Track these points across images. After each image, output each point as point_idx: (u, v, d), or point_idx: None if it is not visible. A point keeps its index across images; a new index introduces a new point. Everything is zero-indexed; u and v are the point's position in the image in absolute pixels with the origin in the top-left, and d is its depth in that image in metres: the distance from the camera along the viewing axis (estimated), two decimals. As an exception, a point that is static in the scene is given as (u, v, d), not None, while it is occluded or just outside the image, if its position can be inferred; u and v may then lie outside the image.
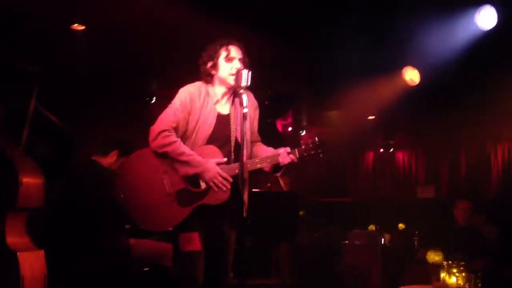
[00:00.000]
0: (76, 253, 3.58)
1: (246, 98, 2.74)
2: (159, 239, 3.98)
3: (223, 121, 2.91)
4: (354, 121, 9.00)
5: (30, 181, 2.94)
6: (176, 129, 2.85)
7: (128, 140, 4.01)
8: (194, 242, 2.79)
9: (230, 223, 2.93)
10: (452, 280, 3.50)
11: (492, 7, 5.18)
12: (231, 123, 2.92)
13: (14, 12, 4.57)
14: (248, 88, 2.81)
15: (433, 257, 4.49)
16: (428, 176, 10.05)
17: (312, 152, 2.87)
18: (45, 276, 2.95)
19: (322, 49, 5.94)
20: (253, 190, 3.07)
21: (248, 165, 2.86)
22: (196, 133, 2.87)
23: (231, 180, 2.80)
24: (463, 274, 3.48)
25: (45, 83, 3.67)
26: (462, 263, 3.55)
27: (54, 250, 3.24)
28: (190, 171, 2.78)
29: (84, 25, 5.32)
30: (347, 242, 6.49)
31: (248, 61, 2.95)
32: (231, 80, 2.87)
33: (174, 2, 4.87)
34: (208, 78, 2.95)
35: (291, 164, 2.88)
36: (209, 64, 2.92)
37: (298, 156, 2.87)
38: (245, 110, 2.72)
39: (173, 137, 2.81)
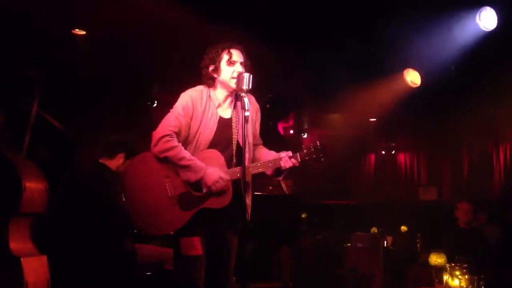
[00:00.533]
0: (81, 256, 3.59)
1: (247, 101, 2.74)
2: (162, 243, 3.98)
3: (225, 125, 2.91)
4: (356, 123, 9.01)
5: (33, 186, 2.94)
6: (178, 134, 2.84)
7: (134, 144, 4.03)
8: (196, 246, 2.79)
9: (232, 227, 2.93)
10: (455, 282, 3.49)
11: (492, 8, 5.17)
12: (233, 126, 2.92)
13: (16, 17, 4.58)
14: (249, 91, 2.81)
15: (436, 259, 4.47)
16: (430, 178, 10.06)
17: (314, 156, 2.87)
18: (48, 281, 2.94)
19: (324, 52, 5.94)
20: (255, 193, 3.06)
21: (250, 169, 2.86)
22: (198, 137, 2.87)
23: (230, 185, 2.79)
24: (466, 276, 3.47)
25: (46, 87, 3.68)
26: (465, 265, 3.54)
27: (58, 254, 3.24)
28: (192, 176, 2.77)
29: (85, 30, 5.33)
30: (349, 245, 6.48)
31: (250, 65, 2.95)
32: (233, 84, 2.87)
33: (175, 6, 4.88)
34: (210, 81, 2.94)
35: (292, 167, 2.88)
36: (211, 68, 2.92)
37: (299, 160, 2.87)
38: (247, 113, 2.72)
39: (175, 142, 2.80)
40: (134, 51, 5.59)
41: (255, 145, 3.06)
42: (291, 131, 9.67)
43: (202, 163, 2.79)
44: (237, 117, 2.93)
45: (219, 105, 2.94)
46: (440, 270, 3.66)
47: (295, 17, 5.23)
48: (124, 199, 2.87)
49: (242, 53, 2.94)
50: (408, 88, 6.76)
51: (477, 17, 5.22)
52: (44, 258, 2.97)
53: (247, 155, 2.79)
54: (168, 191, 2.82)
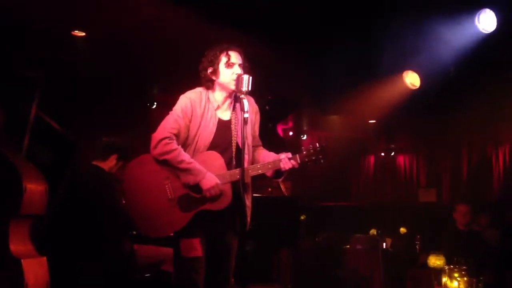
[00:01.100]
0: (80, 258, 3.59)
1: (247, 103, 2.75)
2: (162, 244, 3.98)
3: (224, 127, 2.92)
4: (355, 125, 9.02)
5: (34, 187, 2.94)
6: (177, 136, 2.84)
7: (126, 144, 4.07)
8: (196, 248, 2.79)
9: (231, 228, 2.93)
10: (454, 284, 3.50)
11: (491, 10, 5.18)
12: (232, 128, 2.92)
13: (16, 18, 4.59)
14: (249, 93, 2.81)
15: (435, 261, 4.48)
16: (430, 180, 10.06)
17: (313, 158, 2.87)
18: (47, 283, 2.94)
19: (323, 53, 5.95)
20: (254, 195, 3.06)
21: (250, 171, 2.86)
22: (198, 139, 2.87)
23: (230, 187, 2.80)
24: (465, 278, 3.48)
25: (46, 88, 3.68)
26: (464, 267, 3.54)
27: (57, 256, 3.24)
28: (191, 179, 2.78)
29: (84, 31, 5.34)
30: (348, 246, 6.48)
31: (248, 66, 2.96)
32: (232, 86, 2.87)
33: (175, 7, 4.88)
34: (208, 83, 2.95)
35: (292, 169, 2.88)
36: (210, 70, 2.92)
37: (299, 161, 2.87)
38: (246, 115, 2.72)
39: (174, 145, 2.80)
40: (134, 52, 5.60)
41: (254, 147, 3.06)
42: (291, 133, 9.67)
43: (202, 166, 2.79)
44: (236, 119, 2.93)
45: (218, 107, 2.94)
46: (439, 272, 3.67)
47: (294, 18, 5.24)
48: (123, 201, 2.87)
49: (241, 55, 2.95)
50: (407, 90, 6.78)
51: (476, 19, 5.23)
52: (44, 260, 2.96)
53: (246, 157, 2.80)
54: (168, 193, 2.82)
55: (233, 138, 2.91)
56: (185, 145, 2.87)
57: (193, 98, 2.90)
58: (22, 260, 2.80)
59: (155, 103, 7.02)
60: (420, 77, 6.63)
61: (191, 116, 2.87)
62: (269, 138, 3.42)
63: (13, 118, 3.39)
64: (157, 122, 2.90)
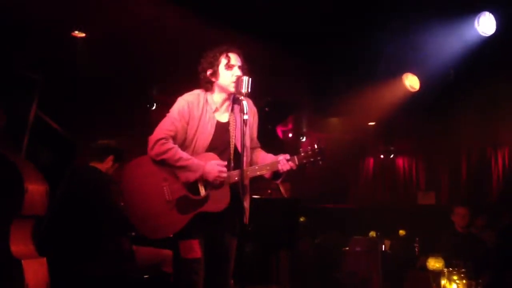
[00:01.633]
0: (79, 258, 3.59)
1: (246, 104, 2.75)
2: (161, 245, 3.98)
3: (222, 129, 2.92)
4: (355, 127, 9.03)
5: (35, 188, 2.94)
6: (174, 138, 2.85)
7: (121, 146, 4.09)
8: (195, 249, 2.79)
9: (230, 230, 2.93)
10: (453, 287, 3.50)
11: (491, 13, 5.20)
12: (230, 130, 2.92)
13: (16, 19, 4.59)
14: (248, 95, 2.81)
15: (434, 263, 4.47)
16: (429, 182, 10.06)
17: (312, 159, 2.87)
18: (47, 284, 2.95)
19: (323, 55, 5.96)
20: (253, 196, 3.07)
21: (248, 172, 2.86)
22: (196, 142, 2.87)
23: (228, 188, 2.80)
24: (464, 281, 3.48)
25: (46, 89, 3.69)
26: (463, 269, 3.55)
27: (57, 257, 3.25)
28: (191, 176, 2.78)
29: (84, 32, 5.35)
30: (347, 248, 6.48)
31: (248, 68, 2.96)
32: (232, 87, 2.87)
33: (175, 8, 4.89)
34: (208, 85, 2.95)
35: (291, 171, 2.88)
36: (209, 72, 2.92)
37: (297, 163, 2.86)
38: (246, 117, 2.72)
39: (170, 144, 2.81)
40: (133, 53, 5.60)
41: (252, 148, 3.06)
42: (290, 135, 9.67)
43: (200, 161, 2.79)
44: (235, 121, 2.93)
45: (216, 109, 2.94)
46: (438, 274, 3.67)
47: (294, 20, 5.25)
48: (122, 203, 2.88)
49: (240, 57, 2.95)
50: (407, 92, 6.79)
51: (475, 22, 5.24)
52: (44, 260, 2.96)
53: (245, 159, 2.80)
54: (166, 195, 2.82)
55: (231, 140, 2.91)
56: (183, 147, 2.87)
57: (191, 100, 2.90)
58: (22, 261, 2.80)
59: (155, 104, 7.02)
60: (419, 79, 6.64)
61: (188, 118, 2.87)
62: (268, 140, 3.42)
63: (13, 118, 3.39)
64: (157, 123, 2.91)
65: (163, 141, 2.80)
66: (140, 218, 2.86)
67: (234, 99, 2.95)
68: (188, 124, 2.87)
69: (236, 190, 2.77)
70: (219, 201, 2.80)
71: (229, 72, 2.89)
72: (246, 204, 2.91)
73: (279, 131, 8.76)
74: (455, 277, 3.50)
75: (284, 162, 2.84)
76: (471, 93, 6.54)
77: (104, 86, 6.09)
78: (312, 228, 7.24)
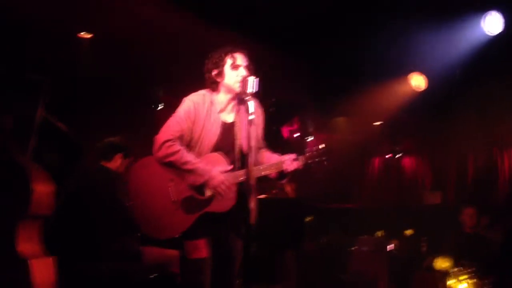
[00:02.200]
0: (87, 257, 3.61)
1: (252, 104, 2.74)
2: (167, 246, 3.99)
3: (227, 129, 2.92)
4: (361, 127, 9.00)
5: (42, 188, 2.96)
6: (180, 139, 2.85)
7: (128, 143, 4.08)
8: (201, 249, 2.80)
9: (236, 230, 2.93)
10: (460, 287, 3.49)
11: (498, 13, 5.18)
12: (236, 131, 2.93)
13: (22, 22, 4.62)
14: (254, 95, 2.81)
15: (441, 264, 4.47)
16: (435, 182, 10.01)
17: (317, 159, 2.86)
18: (54, 284, 2.96)
19: (328, 55, 5.96)
20: (259, 196, 3.07)
21: (254, 172, 2.85)
22: (201, 142, 2.87)
23: (234, 189, 2.80)
24: (471, 281, 3.47)
25: (52, 90, 3.71)
26: (470, 269, 3.53)
27: (65, 256, 3.26)
28: (197, 180, 2.78)
29: (91, 33, 5.37)
30: (354, 248, 6.47)
31: (253, 68, 2.96)
32: (237, 88, 2.87)
33: (181, 10, 4.91)
34: (213, 85, 2.95)
35: (296, 171, 2.88)
36: (214, 72, 2.93)
37: (303, 163, 2.87)
38: (252, 117, 2.72)
39: (177, 146, 2.81)
40: (139, 53, 5.62)
41: (258, 149, 3.06)
42: (296, 135, 9.66)
43: (207, 165, 2.80)
44: (240, 121, 2.93)
45: (222, 110, 2.94)
46: (444, 274, 3.66)
47: (299, 20, 5.25)
48: (127, 204, 2.89)
49: (246, 57, 2.95)
50: (413, 92, 6.77)
51: (482, 21, 5.22)
52: (51, 260, 2.99)
53: (250, 159, 2.80)
54: (172, 195, 2.83)
55: (236, 141, 2.92)
56: (188, 148, 2.87)
57: (196, 101, 2.90)
58: (29, 261, 2.82)
59: (160, 105, 7.03)
60: (425, 79, 6.62)
61: (194, 118, 2.87)
62: (274, 140, 3.42)
63: (20, 119, 3.42)
64: (162, 123, 2.91)
65: (169, 143, 2.80)
66: (146, 219, 2.87)
67: (239, 100, 2.95)
68: (194, 124, 2.87)
69: (242, 190, 2.77)
70: (225, 202, 2.81)
71: (235, 72, 2.89)
72: (252, 204, 2.90)
73: (285, 131, 8.75)
74: (462, 277, 3.50)
75: (289, 162, 2.84)
76: (477, 92, 6.51)
77: (110, 87, 6.11)
78: (318, 228, 7.22)
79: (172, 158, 2.79)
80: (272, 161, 2.93)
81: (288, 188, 5.48)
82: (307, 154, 2.88)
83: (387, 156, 10.58)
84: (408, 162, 10.47)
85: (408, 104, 6.99)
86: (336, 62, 5.97)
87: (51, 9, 4.55)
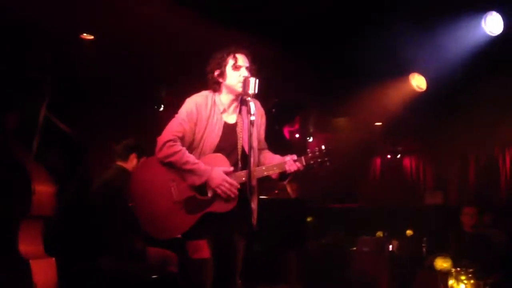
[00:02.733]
0: (93, 256, 3.64)
1: (253, 105, 2.76)
2: (169, 246, 4.01)
3: (229, 130, 2.93)
4: (362, 127, 9.02)
5: (43, 189, 2.97)
6: (182, 139, 2.85)
7: (141, 142, 4.13)
8: (203, 249, 2.80)
9: (238, 230, 2.94)
10: (461, 287, 3.50)
11: (498, 13, 5.18)
12: (238, 132, 2.93)
13: (25, 22, 4.64)
14: (255, 96, 2.82)
15: (441, 264, 4.47)
16: (436, 182, 10.03)
17: (319, 160, 2.87)
18: (56, 284, 2.98)
19: (329, 56, 5.96)
20: (261, 197, 3.08)
21: (255, 173, 2.87)
22: (203, 143, 2.88)
23: (238, 186, 2.81)
24: (472, 281, 3.48)
25: (55, 91, 3.72)
26: (471, 270, 3.54)
27: (69, 255, 3.28)
28: (197, 180, 2.79)
29: (93, 34, 5.39)
30: (355, 248, 6.48)
31: (255, 69, 2.97)
32: (239, 88, 2.87)
33: (184, 10, 4.92)
34: (215, 86, 2.96)
35: (297, 171, 2.89)
36: (216, 73, 2.93)
37: (304, 164, 2.87)
38: (253, 118, 2.73)
39: (178, 147, 2.82)
40: (142, 55, 5.63)
41: (260, 150, 3.06)
42: (297, 135, 9.68)
43: (207, 166, 2.81)
44: (242, 122, 2.94)
45: (224, 110, 2.95)
46: (445, 274, 3.67)
47: (300, 20, 5.26)
48: (130, 204, 2.90)
49: (248, 58, 2.95)
50: (414, 92, 6.78)
51: (482, 22, 5.23)
52: (53, 260, 3.00)
53: (252, 160, 2.81)
54: (174, 195, 2.84)
55: (238, 142, 2.92)
56: (190, 148, 2.88)
57: (199, 101, 2.91)
58: (30, 261, 2.83)
59: (163, 105, 7.06)
60: (426, 79, 6.63)
61: (196, 119, 2.87)
62: (275, 141, 3.43)
63: (23, 121, 3.43)
64: (165, 124, 2.92)
65: (171, 143, 2.81)
66: (148, 219, 2.88)
67: (241, 100, 2.96)
68: (196, 125, 2.88)
69: (244, 190, 2.78)
70: (227, 202, 2.81)
71: (236, 72, 2.90)
72: (254, 205, 2.91)
73: (286, 131, 8.77)
74: (463, 277, 3.51)
75: (291, 162, 2.85)
76: (478, 92, 6.52)
77: (112, 88, 6.13)
78: (320, 228, 7.23)
79: (172, 158, 2.80)
80: (274, 162, 2.94)
81: (290, 189, 5.49)
82: (309, 155, 2.88)
83: (388, 156, 10.60)
84: (409, 162, 10.49)
85: (409, 105, 6.99)
86: (337, 62, 5.97)
87: (56, 10, 4.57)
